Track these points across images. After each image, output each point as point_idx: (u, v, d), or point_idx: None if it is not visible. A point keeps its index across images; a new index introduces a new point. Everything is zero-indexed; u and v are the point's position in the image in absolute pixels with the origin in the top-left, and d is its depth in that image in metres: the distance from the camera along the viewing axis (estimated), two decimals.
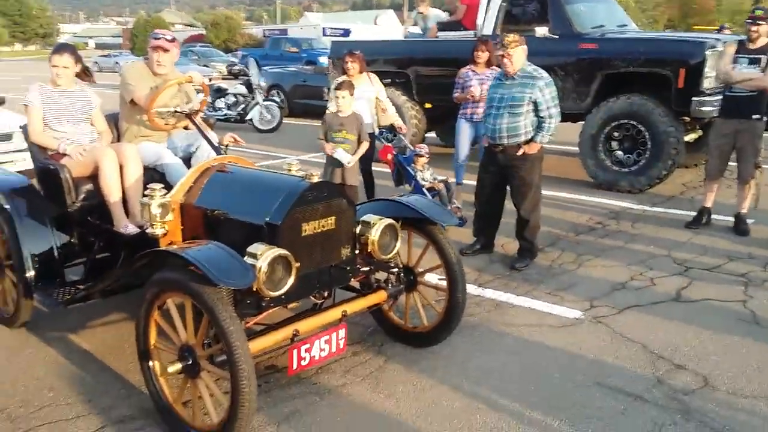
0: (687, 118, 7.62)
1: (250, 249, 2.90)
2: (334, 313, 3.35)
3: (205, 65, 28.54)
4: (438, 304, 3.91)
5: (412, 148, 6.78)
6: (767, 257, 5.49)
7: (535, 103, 4.98)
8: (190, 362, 2.91)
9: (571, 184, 8.26)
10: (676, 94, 7.29)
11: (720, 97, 6.30)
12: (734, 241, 5.94)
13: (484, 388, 3.50)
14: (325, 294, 3.42)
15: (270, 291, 2.90)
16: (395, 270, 3.75)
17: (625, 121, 7.67)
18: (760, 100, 5.90)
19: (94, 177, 4.05)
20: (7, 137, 8.43)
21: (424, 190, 6.16)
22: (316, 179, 3.24)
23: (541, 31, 7.96)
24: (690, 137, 8.00)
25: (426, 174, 6.37)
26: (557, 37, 8.05)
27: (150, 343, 3.12)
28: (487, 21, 8.62)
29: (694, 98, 7.16)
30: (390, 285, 3.69)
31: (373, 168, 6.71)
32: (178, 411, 3.07)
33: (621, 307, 4.51)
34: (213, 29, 54.23)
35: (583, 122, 8.12)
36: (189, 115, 4.25)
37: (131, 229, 3.95)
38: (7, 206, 4.02)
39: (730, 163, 6.33)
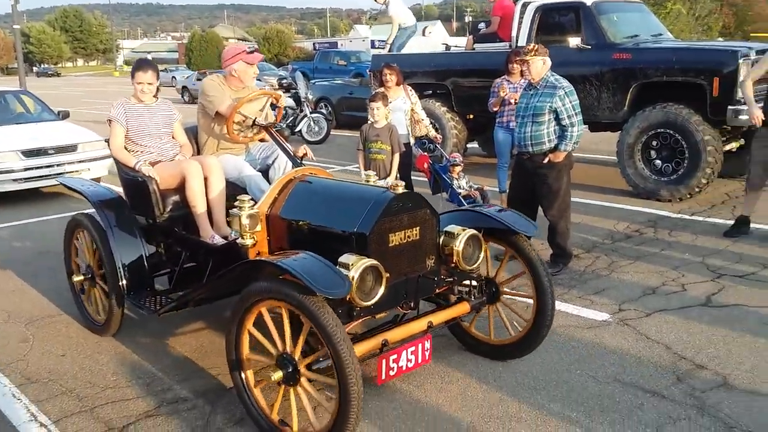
0: (727, 127, 7.64)
1: (342, 259, 2.94)
2: (420, 324, 3.35)
3: (258, 79, 29.34)
4: (516, 318, 3.91)
5: (447, 157, 7.02)
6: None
7: (556, 112, 5.13)
8: (290, 370, 2.95)
9: (610, 192, 8.34)
10: (711, 103, 7.32)
11: (762, 104, 6.23)
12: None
13: (506, 382, 3.70)
14: (411, 304, 3.42)
15: (362, 300, 2.95)
16: (478, 281, 3.72)
17: (662, 130, 7.70)
18: None
19: (179, 189, 4.18)
20: (72, 148, 9.03)
21: (460, 197, 6.39)
22: (400, 190, 3.25)
23: (575, 41, 8.11)
24: (731, 146, 7.98)
25: (462, 182, 6.59)
26: (590, 47, 8.18)
27: (242, 353, 3.17)
28: (521, 32, 8.77)
29: (729, 107, 7.18)
30: (472, 297, 3.67)
31: (412, 176, 6.96)
32: (274, 421, 3.14)
33: (649, 311, 4.62)
34: (265, 43, 55.55)
35: (620, 132, 8.20)
36: (266, 128, 4.33)
37: (218, 239, 4.07)
38: (99, 217, 4.22)
39: None
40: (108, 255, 4.07)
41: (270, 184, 4.21)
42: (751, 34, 38.61)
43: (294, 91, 14.69)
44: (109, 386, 3.79)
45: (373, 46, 33.31)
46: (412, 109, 6.84)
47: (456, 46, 10.92)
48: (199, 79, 26.37)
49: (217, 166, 4.24)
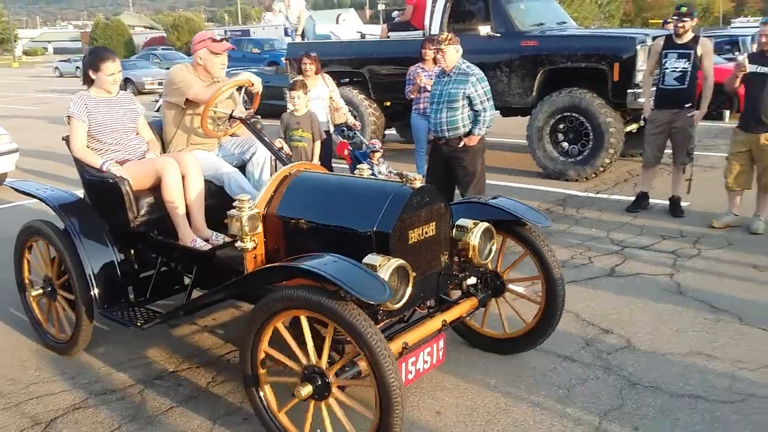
0: (628, 110, 8.12)
1: (368, 260, 2.74)
2: (435, 324, 3.14)
3: (168, 68, 28.55)
4: (520, 310, 3.83)
5: (367, 143, 7.16)
6: (697, 235, 5.98)
7: (470, 98, 5.36)
8: (320, 383, 2.71)
9: (522, 174, 8.72)
10: (612, 88, 7.79)
11: (654, 89, 6.72)
12: (669, 222, 6.42)
13: None
14: (428, 303, 3.29)
15: (391, 303, 2.75)
16: (487, 275, 3.62)
17: (568, 113, 8.14)
18: (690, 92, 6.35)
19: (154, 190, 3.86)
20: None
21: None
22: (418, 184, 3.08)
23: (485, 29, 8.41)
24: (631, 128, 8.49)
25: (382, 167, 6.75)
26: (500, 35, 8.52)
27: (260, 370, 2.93)
28: (433, 21, 8.99)
29: (629, 90, 7.65)
30: (479, 291, 3.53)
31: (333, 164, 7.07)
32: None
33: None
34: (174, 31, 53.89)
35: (530, 116, 8.57)
36: (244, 120, 4.07)
37: (200, 243, 3.79)
38: (63, 223, 3.86)
39: (667, 151, 6.77)
40: (76, 264, 3.71)
41: (249, 181, 4.07)
42: (650, 21, 40.72)
43: None
44: (33, 382, 3.73)
45: (286, 34, 32.95)
46: (331, 97, 6.92)
47: (371, 35, 11.05)
48: None
49: (196, 163, 3.92)
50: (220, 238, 3.86)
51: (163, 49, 39.52)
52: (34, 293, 4.13)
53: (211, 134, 4.17)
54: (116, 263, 3.80)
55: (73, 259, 3.72)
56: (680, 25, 6.31)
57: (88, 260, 3.71)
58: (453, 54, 5.38)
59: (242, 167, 4.22)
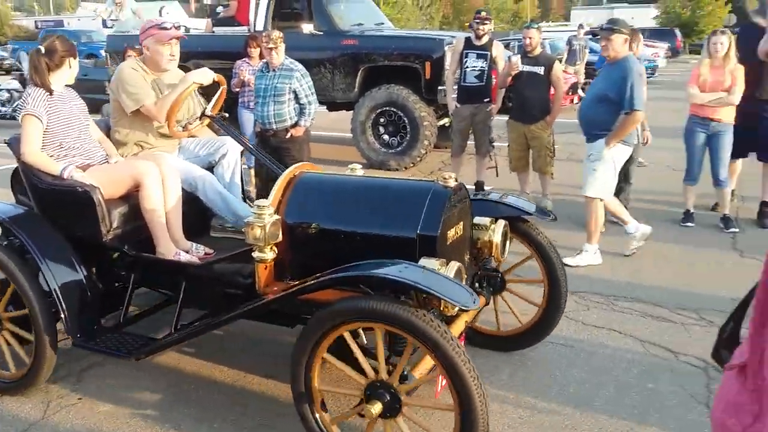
0: (439, 105, 8.89)
1: (425, 264, 2.58)
2: (459, 326, 2.92)
3: None
4: (515, 306, 3.78)
5: None
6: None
7: (296, 93, 5.79)
8: (388, 399, 2.51)
9: (347, 165, 9.21)
10: (425, 85, 8.53)
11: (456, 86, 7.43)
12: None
13: None
14: None
15: (452, 308, 2.57)
16: (495, 272, 3.54)
17: (387, 108, 8.78)
18: (488, 88, 7.14)
19: (126, 198, 3.46)
20: None
21: None
22: (452, 182, 2.94)
23: (308, 28, 8.83)
24: (444, 122, 9.30)
25: None
26: (322, 33, 8.98)
27: (314, 387, 2.71)
28: (258, 17, 9.24)
29: (439, 87, 8.42)
30: (483, 289, 3.43)
31: None
32: None
33: None
34: None
35: (353, 110, 9.09)
36: (216, 119, 3.77)
37: (185, 256, 3.43)
38: (20, 240, 3.31)
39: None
40: (34, 288, 3.19)
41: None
42: (466, 25, 43.46)
43: (19, 72, 13.54)
44: None
45: (105, 26, 31.22)
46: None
47: (196, 29, 11.03)
48: None
49: (174, 167, 3.55)
50: (200, 249, 3.56)
51: None
52: None
53: (178, 135, 3.78)
54: (85, 283, 3.31)
55: (31, 283, 3.19)
56: (481, 27, 7.05)
57: (54, 281, 3.19)
58: (283, 51, 5.76)
59: (210, 170, 3.87)
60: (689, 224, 6.33)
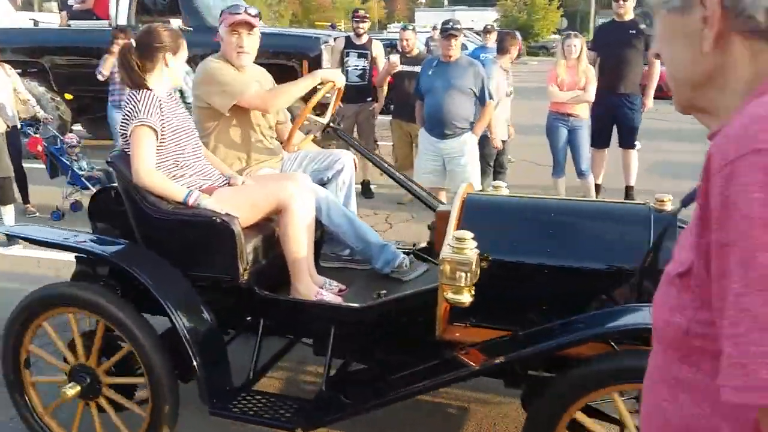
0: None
1: None
2: None
3: None
4: None
5: (62, 138, 6.76)
6: (387, 212, 6.91)
7: (181, 91, 5.57)
8: None
9: None
10: None
11: None
12: (362, 202, 7.20)
13: None
14: None
15: None
16: None
17: None
18: (369, 87, 7.23)
19: (257, 227, 2.85)
20: None
21: (83, 179, 6.27)
22: (669, 206, 2.46)
23: (176, 23, 8.49)
24: (326, 121, 9.31)
25: (82, 163, 6.45)
26: (192, 29, 8.62)
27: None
28: (120, 11, 8.77)
29: (317, 86, 8.42)
30: None
31: (24, 163, 6.50)
32: None
33: None
34: None
35: None
36: (338, 130, 3.31)
37: (329, 296, 2.83)
38: (141, 280, 2.57)
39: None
40: (158, 349, 2.52)
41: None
42: (316, 23, 43.64)
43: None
44: None
45: None
46: (14, 89, 6.40)
47: (49, 23, 10.24)
48: None
49: (310, 188, 2.95)
50: (333, 285, 2.98)
51: None
52: (71, 392, 2.66)
53: (290, 146, 3.25)
54: (218, 335, 2.69)
55: (155, 341, 2.54)
56: (361, 26, 7.13)
57: (187, 335, 2.52)
58: None
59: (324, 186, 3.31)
60: None
